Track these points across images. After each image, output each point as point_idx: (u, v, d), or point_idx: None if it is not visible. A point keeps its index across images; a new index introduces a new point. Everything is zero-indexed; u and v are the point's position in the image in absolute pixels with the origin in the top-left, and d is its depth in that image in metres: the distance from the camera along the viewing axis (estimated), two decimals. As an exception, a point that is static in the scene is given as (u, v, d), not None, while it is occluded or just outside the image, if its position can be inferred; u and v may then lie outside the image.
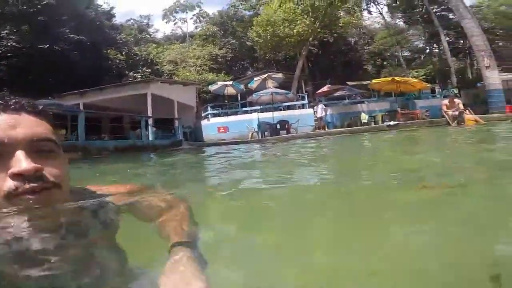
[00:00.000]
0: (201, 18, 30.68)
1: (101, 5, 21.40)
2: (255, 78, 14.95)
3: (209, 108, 14.50)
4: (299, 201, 1.58)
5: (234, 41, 25.65)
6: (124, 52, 18.45)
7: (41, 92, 10.48)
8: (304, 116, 12.85)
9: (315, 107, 13.14)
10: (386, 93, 16.01)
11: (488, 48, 12.54)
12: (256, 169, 3.44)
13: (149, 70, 18.91)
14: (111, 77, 15.73)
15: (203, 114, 15.07)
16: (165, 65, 23.02)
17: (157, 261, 0.52)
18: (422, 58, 30.45)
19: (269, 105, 13.03)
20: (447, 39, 25.31)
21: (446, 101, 8.75)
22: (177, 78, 19.26)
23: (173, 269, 0.45)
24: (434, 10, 25.08)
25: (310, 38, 17.04)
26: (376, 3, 26.73)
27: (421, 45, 30.24)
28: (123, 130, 12.23)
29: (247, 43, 24.26)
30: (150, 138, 9.96)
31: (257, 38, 17.82)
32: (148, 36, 31.54)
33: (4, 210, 0.45)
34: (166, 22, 34.25)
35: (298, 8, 16.11)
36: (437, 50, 28.01)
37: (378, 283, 0.75)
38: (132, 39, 25.23)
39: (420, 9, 25.71)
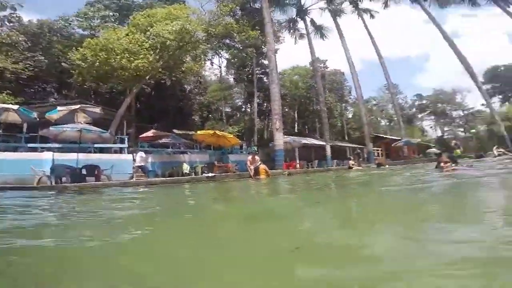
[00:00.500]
0: (7, 23, 21.73)
1: None
2: (60, 108, 11.64)
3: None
4: None
5: (43, 58, 19.84)
6: None
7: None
8: (121, 161, 11.34)
9: (134, 154, 12.02)
10: (207, 145, 17.66)
11: (280, 112, 15.72)
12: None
13: None
14: None
15: None
16: None
17: None
18: (238, 115, 35.21)
19: (74, 144, 10.46)
20: (258, 100, 29.48)
21: (250, 157, 10.65)
22: None
23: None
24: (257, 71, 28.96)
25: (148, 76, 15.95)
26: (219, 55, 28.05)
27: (240, 103, 34.97)
28: None
29: (62, 64, 19.58)
30: None
31: (79, 62, 14.68)
32: None
33: None
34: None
35: (147, 42, 14.90)
36: (249, 110, 32.62)
37: None
38: None
39: (248, 69, 28.88)
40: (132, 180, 10.19)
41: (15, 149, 10.64)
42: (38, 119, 11.32)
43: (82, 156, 10.06)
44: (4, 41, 18.80)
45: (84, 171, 9.12)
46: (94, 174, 9.21)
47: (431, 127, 53.10)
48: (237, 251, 1.45)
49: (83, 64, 14.72)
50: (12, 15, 21.24)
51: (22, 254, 1.63)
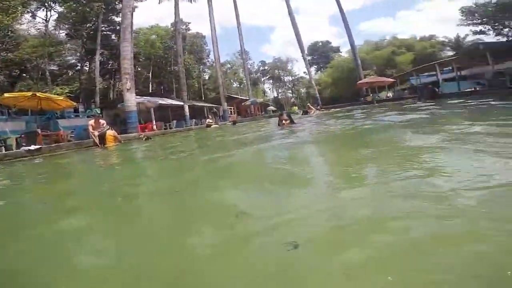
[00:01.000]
0: None
1: None
2: None
3: None
4: None
5: None
6: None
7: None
8: None
9: None
10: (20, 110, 12.87)
11: (132, 72, 14.04)
12: None
13: None
14: None
15: None
16: None
17: None
18: (70, 74, 29.12)
19: None
20: (101, 58, 26.30)
21: (92, 121, 8.63)
22: None
23: None
24: (103, 27, 25.60)
25: None
26: (49, 9, 22.12)
27: (73, 61, 28.79)
28: None
29: None
30: None
31: None
32: None
33: None
34: None
35: None
36: (87, 68, 28.03)
37: None
38: None
39: (91, 24, 24.89)
40: None
41: None
42: None
43: None
44: None
45: None
46: None
47: (269, 89, 63.39)
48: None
49: None
50: None
51: None
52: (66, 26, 25.46)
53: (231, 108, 30.97)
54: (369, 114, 7.58)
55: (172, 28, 31.67)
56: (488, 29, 28.14)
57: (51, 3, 22.16)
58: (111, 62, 30.24)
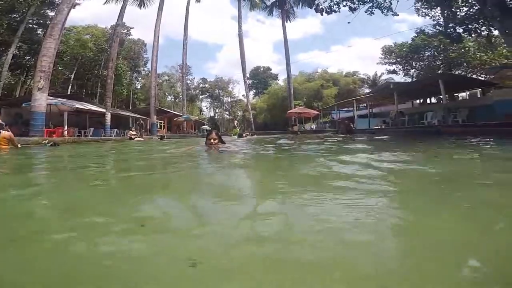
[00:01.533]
0: None
1: None
2: None
3: None
4: None
5: None
6: None
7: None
8: None
9: None
10: None
11: (50, 70, 12.55)
12: None
13: None
14: None
15: None
16: None
17: None
18: None
19: None
20: (17, 52, 23.62)
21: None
22: None
23: None
24: (30, 20, 23.19)
25: None
26: None
27: None
28: None
29: None
30: None
31: None
32: None
33: None
34: None
35: None
36: None
37: None
38: None
39: (17, 15, 22.24)
40: None
41: None
42: None
43: None
44: None
45: None
46: None
47: (206, 108, 63.10)
48: None
49: None
50: None
51: None
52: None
53: (161, 122, 29.50)
54: (294, 144, 8.25)
55: (111, 31, 29.76)
56: (400, 69, 30.29)
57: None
58: (28, 57, 27.08)
